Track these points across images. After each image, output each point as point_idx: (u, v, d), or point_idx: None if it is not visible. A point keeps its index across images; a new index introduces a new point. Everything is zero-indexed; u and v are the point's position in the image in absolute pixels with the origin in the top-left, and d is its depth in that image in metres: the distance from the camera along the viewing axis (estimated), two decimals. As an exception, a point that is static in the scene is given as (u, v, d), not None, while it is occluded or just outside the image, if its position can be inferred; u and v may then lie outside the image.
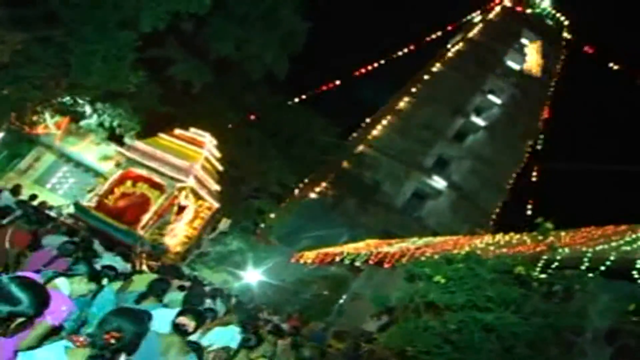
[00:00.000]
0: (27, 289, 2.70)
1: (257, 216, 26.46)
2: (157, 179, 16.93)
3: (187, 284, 9.34)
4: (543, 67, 47.24)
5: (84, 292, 4.92)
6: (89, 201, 17.01)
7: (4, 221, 7.33)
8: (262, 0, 23.22)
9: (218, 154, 19.30)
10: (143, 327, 3.30)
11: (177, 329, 4.60)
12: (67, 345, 3.04)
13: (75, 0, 17.60)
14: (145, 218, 16.51)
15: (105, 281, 5.74)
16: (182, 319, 4.66)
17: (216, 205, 19.20)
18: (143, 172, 17.08)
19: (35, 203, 13.76)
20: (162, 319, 4.75)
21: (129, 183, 17.11)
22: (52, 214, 14.72)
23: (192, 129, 18.79)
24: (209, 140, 18.58)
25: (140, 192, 16.96)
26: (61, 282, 4.71)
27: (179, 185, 16.94)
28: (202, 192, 18.15)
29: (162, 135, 18.21)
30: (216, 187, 19.06)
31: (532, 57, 46.87)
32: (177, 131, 18.53)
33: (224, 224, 21.38)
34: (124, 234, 15.52)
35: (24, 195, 14.16)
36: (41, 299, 2.79)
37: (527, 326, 9.10)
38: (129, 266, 9.99)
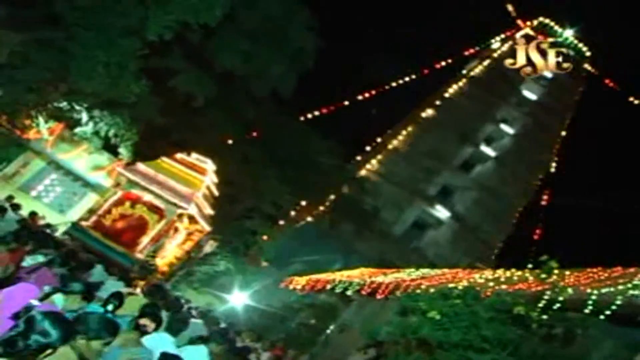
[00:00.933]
0: (58, 324, 3.14)
1: (249, 237, 25.82)
2: (156, 202, 17.44)
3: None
4: (559, 97, 46.29)
5: (75, 309, 5.16)
6: (81, 217, 17.51)
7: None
8: (274, 16, 22.97)
9: (216, 180, 19.56)
10: (68, 334, 3.44)
11: (138, 328, 5.38)
12: None
13: (81, 3, 17.34)
14: (144, 242, 17.07)
15: (110, 307, 6.09)
16: (144, 320, 5.55)
17: (208, 228, 19.68)
18: (143, 194, 17.51)
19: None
20: (160, 341, 5.36)
21: (127, 204, 17.55)
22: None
23: (194, 154, 19.09)
24: (210, 168, 18.98)
25: (138, 215, 17.46)
26: (57, 298, 5.27)
27: (179, 211, 17.54)
28: (198, 217, 18.64)
29: (164, 158, 18.54)
30: (210, 211, 19.39)
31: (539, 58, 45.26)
32: (179, 155, 18.85)
33: (210, 246, 21.50)
34: (121, 256, 15.99)
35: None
36: (68, 332, 3.25)
37: (524, 370, 8.45)
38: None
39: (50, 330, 3.07)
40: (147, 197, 17.50)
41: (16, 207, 13.99)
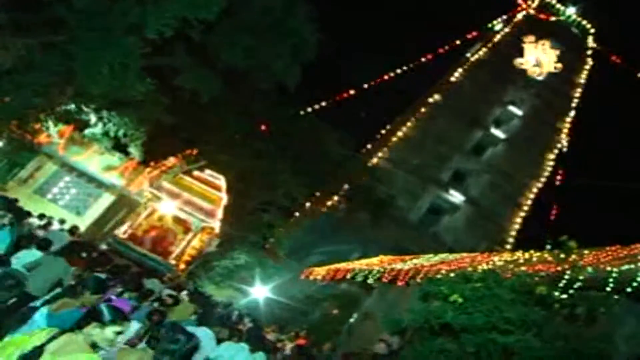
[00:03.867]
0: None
1: (267, 230, 25.84)
2: (181, 215, 20.18)
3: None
4: (566, 77, 45.68)
5: None
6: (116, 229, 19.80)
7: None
8: (273, 9, 22.70)
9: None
10: None
11: (160, 301, 7.09)
12: None
13: (79, 5, 17.23)
14: (177, 251, 20.09)
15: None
16: (165, 297, 7.56)
17: (217, 230, 22.18)
18: (170, 209, 20.00)
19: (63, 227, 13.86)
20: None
21: (156, 217, 20.19)
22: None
23: (208, 171, 21.68)
24: (223, 185, 21.55)
25: (166, 227, 20.29)
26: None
27: (203, 224, 20.52)
28: (216, 227, 21.67)
29: (182, 175, 20.98)
30: (220, 216, 21.54)
31: (545, 59, 44.83)
32: (195, 173, 21.40)
33: (214, 241, 23.13)
34: (161, 265, 18.47)
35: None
36: None
37: (549, 350, 8.43)
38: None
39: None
40: (173, 211, 19.95)
41: (62, 223, 14.21)
